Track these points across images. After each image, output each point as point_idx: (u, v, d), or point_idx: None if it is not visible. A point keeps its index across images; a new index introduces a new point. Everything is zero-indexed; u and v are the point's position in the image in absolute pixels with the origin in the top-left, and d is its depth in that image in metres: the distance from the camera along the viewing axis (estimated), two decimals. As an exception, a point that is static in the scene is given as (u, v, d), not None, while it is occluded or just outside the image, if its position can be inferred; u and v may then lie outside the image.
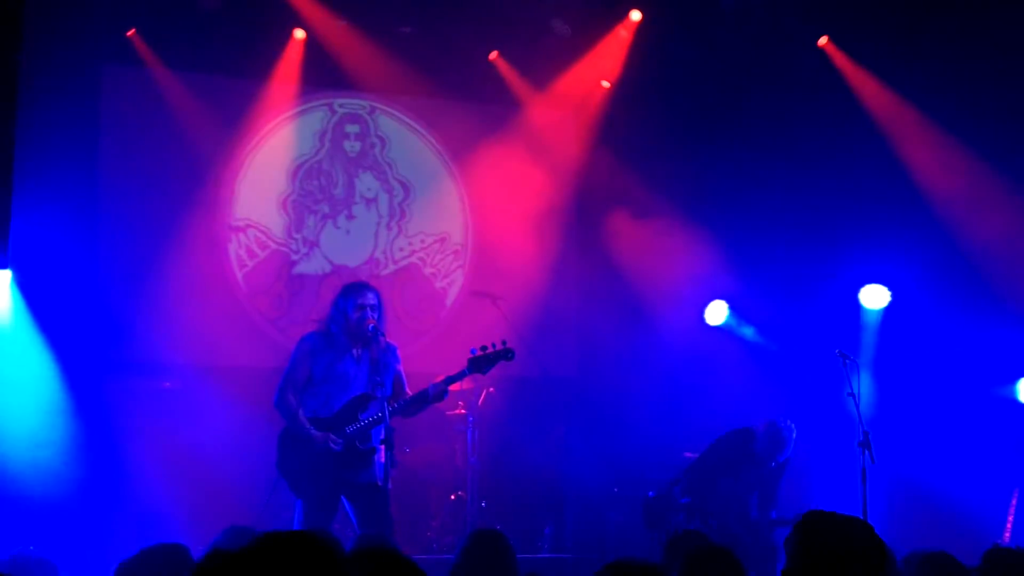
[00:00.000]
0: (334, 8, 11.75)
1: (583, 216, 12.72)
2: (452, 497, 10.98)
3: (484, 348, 8.35)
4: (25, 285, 10.37)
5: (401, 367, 8.41)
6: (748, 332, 11.61)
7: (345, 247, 12.20)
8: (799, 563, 3.55)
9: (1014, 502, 9.54)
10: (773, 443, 9.34)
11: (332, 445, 8.02)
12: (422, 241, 12.48)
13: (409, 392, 8.30)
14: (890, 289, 11.29)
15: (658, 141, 12.32)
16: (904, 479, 10.35)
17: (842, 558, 3.50)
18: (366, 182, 12.34)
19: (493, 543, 5.22)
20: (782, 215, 11.95)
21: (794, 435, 9.37)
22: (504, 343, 8.40)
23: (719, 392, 11.45)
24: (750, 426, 9.55)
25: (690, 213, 12.15)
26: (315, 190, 12.15)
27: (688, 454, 10.01)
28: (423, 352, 11.57)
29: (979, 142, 11.00)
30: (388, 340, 8.32)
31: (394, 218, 12.40)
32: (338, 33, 11.86)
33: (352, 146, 12.32)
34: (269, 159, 11.98)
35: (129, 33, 11.29)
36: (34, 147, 10.53)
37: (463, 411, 11.08)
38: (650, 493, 9.76)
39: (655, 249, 12.13)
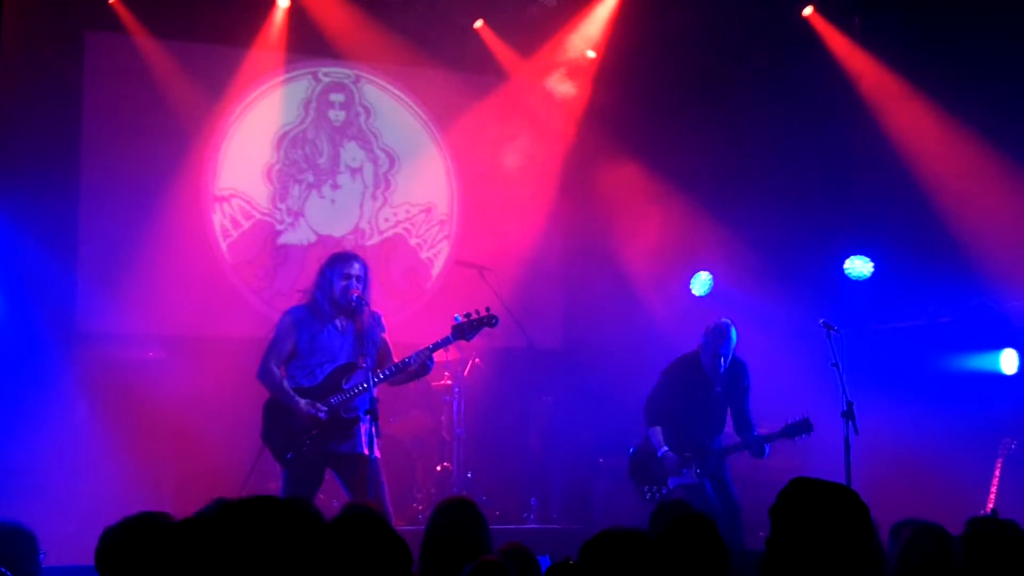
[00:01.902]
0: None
1: (569, 186, 12.69)
2: (438, 468, 10.99)
3: (468, 315, 8.35)
4: (4, 254, 10.32)
5: (387, 335, 8.40)
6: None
7: (330, 217, 12.17)
8: (784, 530, 3.55)
9: (997, 472, 9.57)
10: (713, 341, 9.35)
11: (318, 413, 8.01)
12: (407, 211, 12.45)
13: (395, 361, 8.29)
14: (873, 259, 11.30)
15: (644, 111, 12.32)
16: (888, 449, 10.36)
17: (827, 525, 3.49)
18: (351, 151, 12.30)
19: (461, 511, 5.19)
20: (769, 185, 11.95)
21: (733, 332, 9.38)
22: (488, 309, 8.39)
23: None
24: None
25: (677, 183, 12.14)
26: (300, 159, 12.10)
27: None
28: (409, 323, 11.57)
29: (965, 111, 11.00)
30: (373, 309, 8.31)
31: (379, 188, 12.36)
32: (322, 1, 11.79)
33: (337, 115, 12.27)
34: (253, 128, 11.93)
35: (112, 0, 11.21)
36: (15, 115, 10.48)
37: (449, 382, 11.10)
38: (631, 449, 9.78)
39: (641, 219, 12.13)
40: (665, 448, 9.35)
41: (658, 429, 9.43)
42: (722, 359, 9.36)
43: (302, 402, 8.04)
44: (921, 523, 5.12)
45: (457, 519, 5.14)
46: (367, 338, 8.13)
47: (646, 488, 9.48)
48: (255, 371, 8.29)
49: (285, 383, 8.12)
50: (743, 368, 9.54)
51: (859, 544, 3.52)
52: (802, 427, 9.16)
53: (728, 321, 9.44)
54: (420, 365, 8.17)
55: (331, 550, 3.22)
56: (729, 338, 9.36)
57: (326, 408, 8.03)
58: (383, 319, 8.43)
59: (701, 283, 11.74)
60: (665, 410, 9.47)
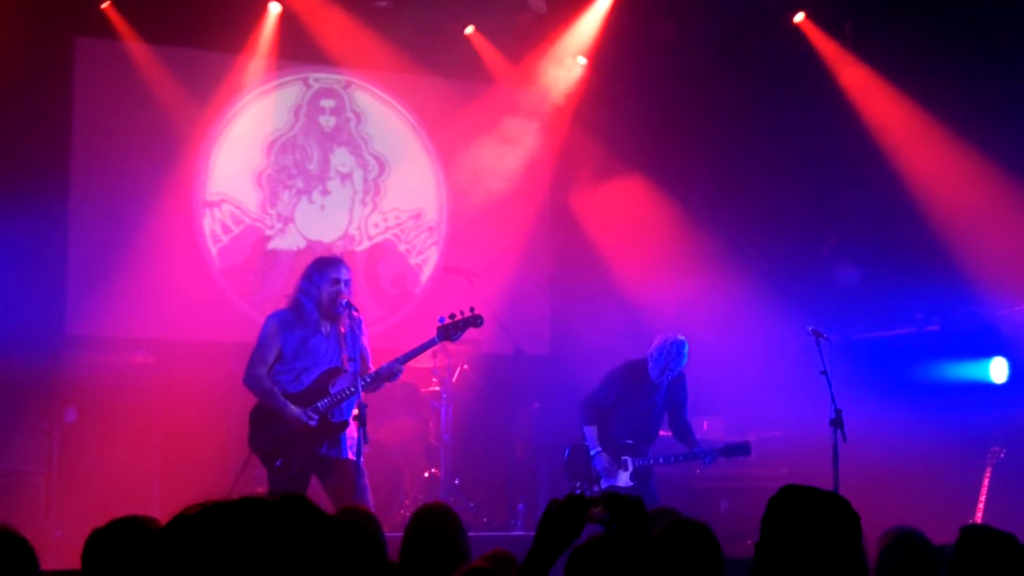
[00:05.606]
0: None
1: (558, 192, 12.70)
2: (425, 475, 10.96)
3: (452, 316, 8.34)
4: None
5: (366, 340, 8.36)
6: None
7: (320, 223, 12.15)
8: (775, 537, 3.54)
9: (985, 481, 9.58)
10: (667, 356, 9.39)
11: (308, 421, 7.96)
12: (397, 217, 12.44)
13: (372, 367, 8.24)
14: (862, 267, 11.31)
15: (634, 118, 12.32)
16: (876, 458, 10.36)
17: (819, 532, 3.49)
18: (341, 157, 12.29)
19: (438, 518, 5.17)
20: (758, 192, 11.98)
21: (686, 348, 9.42)
22: (472, 309, 8.37)
23: (691, 369, 11.47)
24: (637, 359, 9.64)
25: (666, 189, 12.16)
26: (290, 165, 12.09)
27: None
28: (397, 328, 11.55)
29: (956, 118, 11.04)
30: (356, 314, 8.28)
31: (369, 194, 12.35)
32: (313, 7, 11.79)
33: (327, 121, 12.26)
34: (244, 133, 11.91)
35: (104, 5, 11.21)
36: (5, 119, 10.45)
37: (437, 388, 11.07)
38: (567, 449, 9.84)
39: (630, 225, 12.14)
40: (599, 449, 9.49)
41: (594, 428, 9.53)
42: (671, 373, 9.45)
43: (293, 408, 7.99)
44: (900, 529, 5.11)
45: (434, 526, 5.12)
46: (352, 340, 8.10)
47: (578, 484, 9.57)
48: (243, 376, 8.26)
49: (275, 389, 8.07)
50: (683, 379, 9.70)
51: (850, 552, 3.51)
52: (741, 449, 9.44)
53: (684, 338, 9.50)
54: (389, 372, 8.12)
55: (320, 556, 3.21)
56: (683, 355, 9.48)
57: (317, 416, 8.00)
58: (363, 324, 8.38)
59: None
60: (604, 412, 9.54)
